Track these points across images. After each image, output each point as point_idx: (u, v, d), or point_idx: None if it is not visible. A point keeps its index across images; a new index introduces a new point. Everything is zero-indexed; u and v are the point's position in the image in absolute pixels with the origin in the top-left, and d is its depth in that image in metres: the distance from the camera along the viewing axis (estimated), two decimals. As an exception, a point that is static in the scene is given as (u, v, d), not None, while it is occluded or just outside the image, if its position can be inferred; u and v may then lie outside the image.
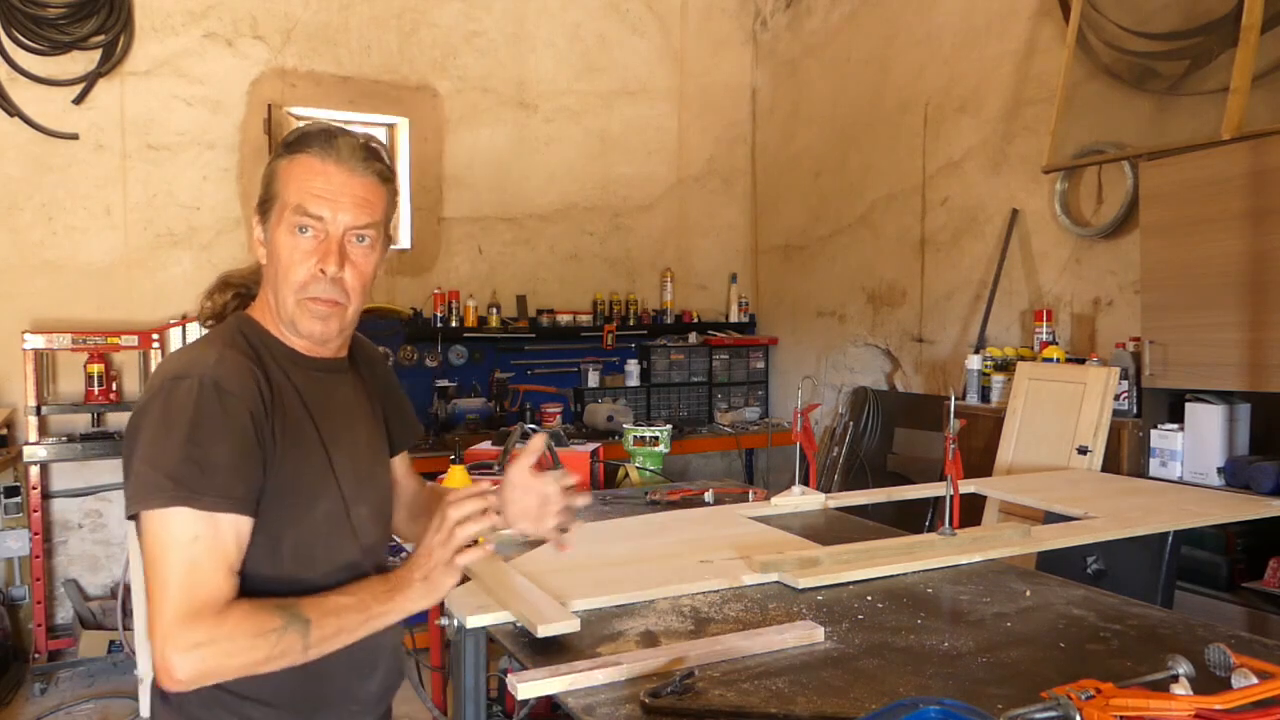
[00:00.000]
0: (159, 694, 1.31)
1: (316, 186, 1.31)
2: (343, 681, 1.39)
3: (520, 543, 2.03)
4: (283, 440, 1.29)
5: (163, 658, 1.16)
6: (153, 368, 4.34)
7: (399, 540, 1.98)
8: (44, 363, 4.36)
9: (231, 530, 1.22)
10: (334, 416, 1.40)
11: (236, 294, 1.46)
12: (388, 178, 1.39)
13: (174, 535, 1.18)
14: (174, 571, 1.18)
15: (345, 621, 1.26)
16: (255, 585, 1.26)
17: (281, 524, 1.29)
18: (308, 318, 1.34)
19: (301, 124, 1.44)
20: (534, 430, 3.26)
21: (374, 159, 1.36)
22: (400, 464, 1.69)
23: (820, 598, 1.78)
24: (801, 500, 2.59)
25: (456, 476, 2.03)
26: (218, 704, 1.29)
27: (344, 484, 1.38)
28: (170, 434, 1.20)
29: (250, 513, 1.24)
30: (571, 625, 1.56)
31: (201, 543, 1.19)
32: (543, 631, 1.54)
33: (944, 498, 2.09)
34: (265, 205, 1.35)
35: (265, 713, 1.31)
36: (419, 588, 1.30)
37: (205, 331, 1.42)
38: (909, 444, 4.79)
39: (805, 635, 1.53)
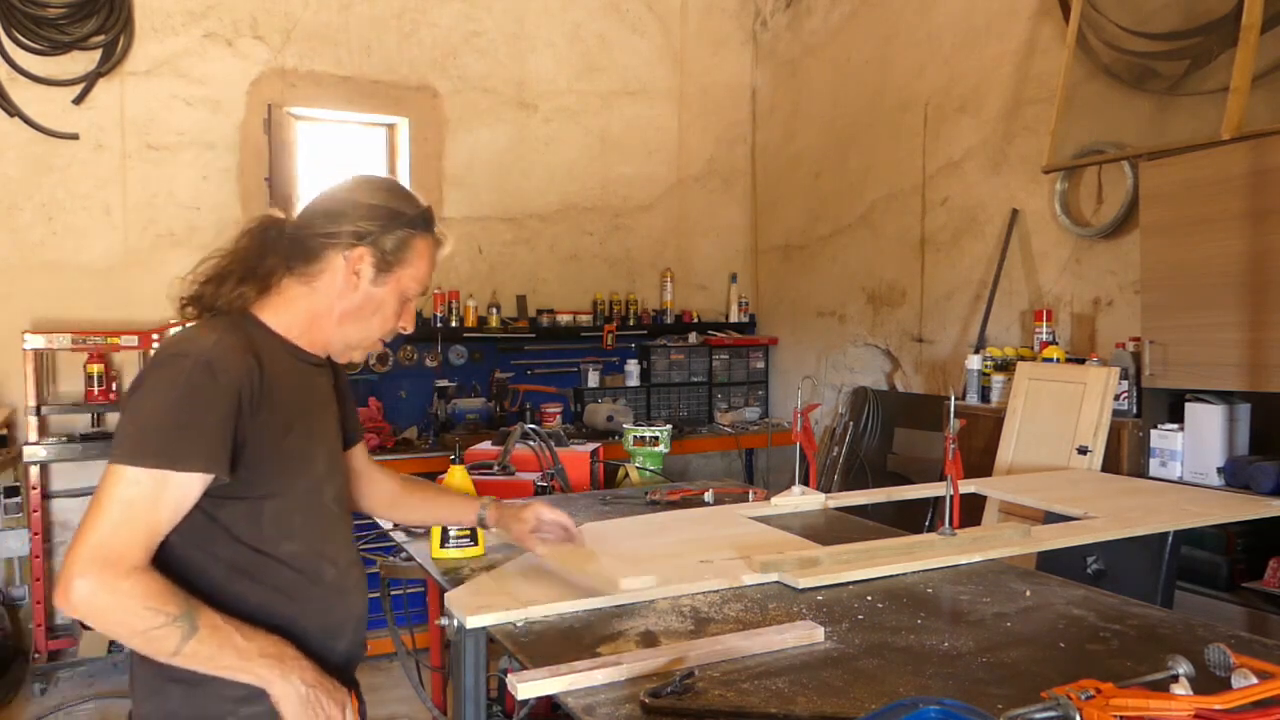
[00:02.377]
0: (135, 653, 1.38)
1: (432, 270, 1.58)
2: (315, 643, 1.47)
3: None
4: (272, 421, 1.40)
5: (66, 574, 1.25)
6: (153, 368, 4.35)
7: (377, 519, 2.23)
8: (44, 363, 4.36)
9: (177, 493, 1.31)
10: (315, 406, 1.55)
11: (244, 285, 1.50)
12: None
13: (128, 489, 1.29)
14: (112, 516, 1.28)
15: (222, 654, 1.31)
16: (231, 548, 1.39)
17: (265, 492, 1.41)
18: (364, 353, 1.60)
19: (416, 196, 1.59)
20: (534, 430, 3.27)
21: None
22: (360, 454, 1.85)
23: (820, 598, 1.78)
24: (801, 500, 2.59)
25: (456, 476, 2.04)
26: None
27: (320, 466, 1.53)
28: (154, 401, 1.33)
29: (204, 470, 1.32)
30: (648, 579, 1.73)
31: (153, 501, 1.29)
32: (625, 585, 1.69)
33: (944, 498, 2.09)
34: (389, 262, 1.50)
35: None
36: (296, 690, 1.36)
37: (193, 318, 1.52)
38: (909, 444, 4.79)
39: (805, 635, 1.53)
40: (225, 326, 1.42)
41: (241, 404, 1.35)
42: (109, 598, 1.25)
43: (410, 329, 1.61)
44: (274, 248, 1.50)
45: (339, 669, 1.53)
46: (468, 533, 2.05)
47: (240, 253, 1.50)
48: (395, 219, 1.51)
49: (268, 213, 1.56)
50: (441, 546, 2.08)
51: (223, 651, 1.31)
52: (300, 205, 1.57)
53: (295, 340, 1.51)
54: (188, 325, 1.46)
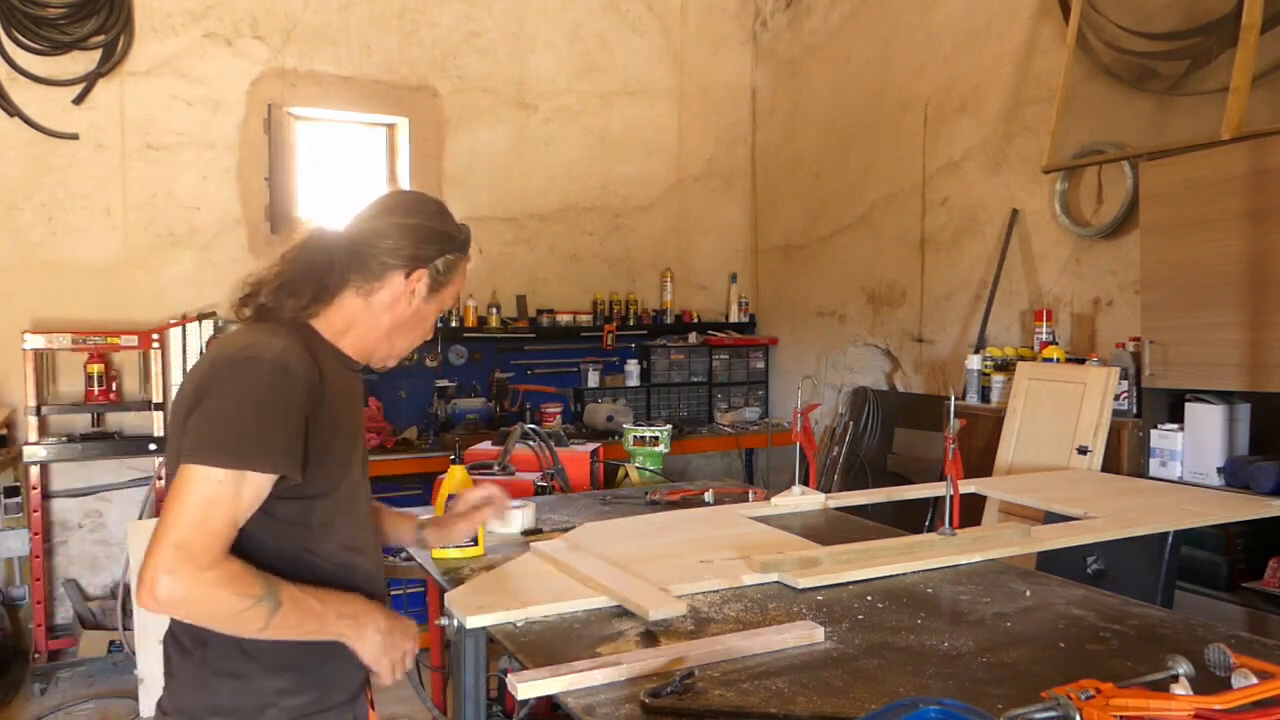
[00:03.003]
0: (177, 647, 1.46)
1: (463, 287, 1.69)
2: None
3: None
4: (327, 424, 1.46)
5: (151, 572, 1.28)
6: (153, 368, 4.35)
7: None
8: (44, 363, 4.36)
9: (253, 490, 1.35)
10: (356, 411, 1.62)
11: (300, 298, 1.56)
12: None
13: (211, 488, 1.32)
14: (194, 513, 1.30)
15: (306, 622, 1.40)
16: (280, 544, 1.43)
17: (317, 492, 1.46)
18: (396, 361, 1.68)
19: (457, 221, 1.71)
20: (534, 430, 3.27)
21: None
22: None
23: (820, 598, 1.78)
24: (801, 500, 2.59)
25: (456, 476, 2.04)
26: (239, 652, 1.41)
27: (358, 467, 1.59)
28: (232, 402, 1.36)
29: (280, 471, 1.37)
30: (678, 609, 1.67)
31: (223, 500, 1.32)
32: (654, 615, 1.64)
33: (944, 498, 2.09)
34: (439, 284, 1.62)
35: (278, 665, 1.44)
36: (371, 639, 1.49)
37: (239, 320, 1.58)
38: (909, 444, 4.79)
39: (805, 635, 1.53)
40: (288, 332, 1.48)
41: (309, 407, 1.42)
42: (198, 590, 1.29)
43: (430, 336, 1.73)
44: (337, 263, 1.56)
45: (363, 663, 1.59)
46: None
47: (305, 266, 1.55)
48: (449, 243, 1.63)
49: (319, 226, 1.64)
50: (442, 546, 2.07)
51: (305, 620, 1.39)
52: (333, 213, 1.63)
53: (344, 348, 1.58)
54: (239, 326, 1.53)
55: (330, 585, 1.48)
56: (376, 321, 1.58)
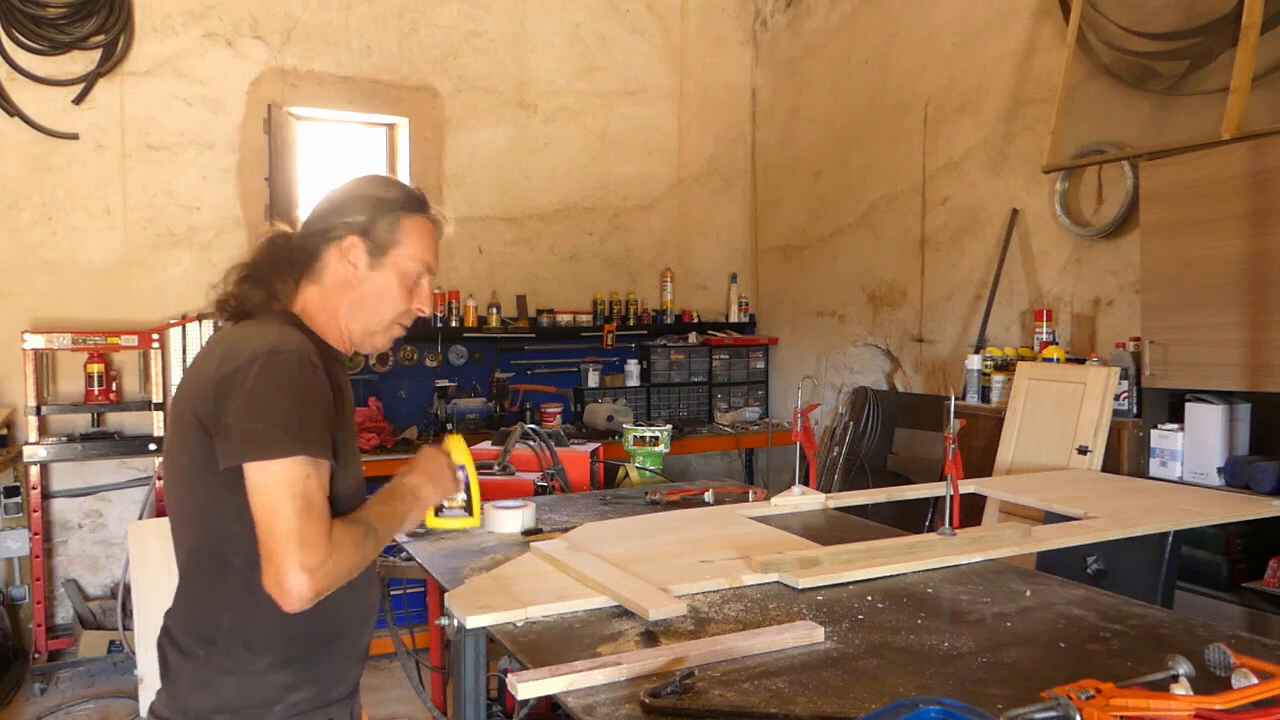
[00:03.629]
0: (176, 650, 1.46)
1: (433, 247, 1.63)
2: (351, 630, 1.55)
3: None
4: (339, 417, 1.48)
5: (293, 579, 1.32)
6: (153, 368, 4.35)
7: None
8: (44, 363, 4.36)
9: (326, 473, 1.41)
10: (348, 400, 1.60)
11: (267, 287, 1.58)
12: None
13: (292, 477, 1.34)
14: (293, 506, 1.34)
15: (387, 525, 1.51)
16: None
17: (337, 486, 1.48)
18: (387, 339, 1.64)
19: (407, 185, 1.67)
20: (534, 430, 3.27)
21: None
22: None
23: (820, 598, 1.78)
24: (801, 500, 2.59)
25: (457, 444, 1.95)
26: (244, 649, 1.42)
27: (353, 451, 1.60)
28: (279, 396, 1.37)
29: (330, 460, 1.42)
30: (678, 609, 1.66)
31: (312, 480, 1.36)
32: (654, 615, 1.63)
33: (944, 498, 2.09)
34: (383, 247, 1.57)
35: (283, 660, 1.45)
36: (427, 489, 1.63)
37: (212, 320, 1.61)
38: (909, 444, 4.79)
39: (805, 635, 1.53)
40: (288, 323, 1.51)
41: (332, 396, 1.45)
42: (333, 569, 1.35)
43: (428, 310, 1.66)
44: (285, 257, 1.57)
45: (365, 655, 1.62)
46: (462, 503, 1.93)
47: (256, 263, 1.58)
48: (381, 204, 1.57)
49: (276, 227, 1.65)
50: (436, 515, 1.93)
51: (385, 524, 1.50)
52: (303, 209, 1.66)
53: (330, 341, 1.58)
54: (234, 325, 1.54)
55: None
56: (335, 304, 1.57)
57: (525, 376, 5.45)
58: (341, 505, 1.48)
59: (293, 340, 1.43)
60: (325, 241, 1.56)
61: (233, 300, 1.56)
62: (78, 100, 4.47)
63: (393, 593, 2.79)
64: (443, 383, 5.10)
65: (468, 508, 1.95)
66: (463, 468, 1.80)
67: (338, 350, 1.60)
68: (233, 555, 1.42)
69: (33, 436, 4.19)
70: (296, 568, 1.31)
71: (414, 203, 1.61)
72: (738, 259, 6.26)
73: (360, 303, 1.57)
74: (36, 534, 4.18)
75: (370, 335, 1.61)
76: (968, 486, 2.80)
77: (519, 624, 1.64)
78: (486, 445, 3.42)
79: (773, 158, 6.08)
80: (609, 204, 5.82)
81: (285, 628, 1.42)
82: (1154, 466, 3.16)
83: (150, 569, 3.60)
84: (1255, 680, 1.18)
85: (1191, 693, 1.14)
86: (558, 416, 5.23)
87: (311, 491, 1.36)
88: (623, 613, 1.69)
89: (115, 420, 4.53)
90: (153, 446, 4.30)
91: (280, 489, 1.34)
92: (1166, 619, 1.68)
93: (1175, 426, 3.13)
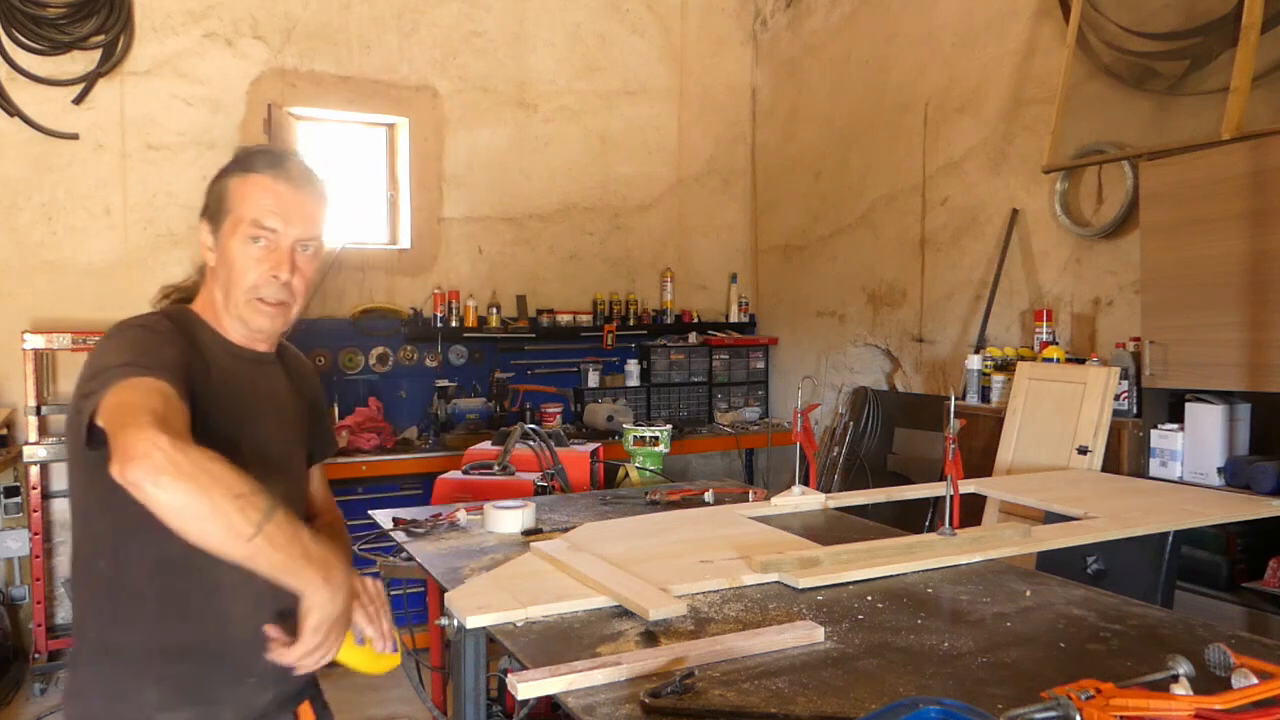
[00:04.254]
0: (72, 659, 1.38)
1: (270, 203, 1.48)
2: (241, 650, 1.40)
3: None
4: (201, 402, 1.36)
5: (132, 445, 1.13)
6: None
7: None
8: (44, 363, 4.36)
9: (182, 401, 1.28)
10: (251, 402, 1.51)
11: (179, 300, 1.58)
12: (327, 196, 1.58)
13: (139, 387, 1.23)
14: (146, 399, 1.21)
15: (292, 547, 1.22)
16: (163, 544, 1.23)
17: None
18: (258, 315, 1.49)
19: (248, 146, 1.62)
20: (534, 430, 3.27)
21: (317, 179, 1.55)
22: (316, 474, 1.77)
23: (820, 598, 1.78)
24: (801, 500, 2.59)
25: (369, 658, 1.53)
26: (109, 661, 1.31)
27: (249, 463, 1.34)
28: (109, 345, 1.32)
29: (172, 382, 1.29)
30: (678, 609, 1.65)
31: (166, 395, 1.25)
32: (654, 615, 1.62)
33: (944, 498, 2.09)
34: (217, 217, 1.50)
35: (154, 676, 1.34)
36: (335, 597, 1.27)
37: None
38: (909, 444, 4.79)
39: (805, 635, 1.53)
40: (161, 311, 1.49)
41: (185, 362, 1.36)
42: (188, 461, 1.14)
43: (283, 274, 1.48)
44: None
45: (274, 679, 1.43)
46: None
47: (188, 279, 1.61)
48: (215, 179, 1.55)
49: None
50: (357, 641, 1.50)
51: (292, 543, 1.21)
52: None
53: (225, 333, 1.52)
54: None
55: (219, 590, 1.36)
56: (211, 292, 1.52)
57: (525, 376, 5.45)
58: None
59: (138, 318, 1.42)
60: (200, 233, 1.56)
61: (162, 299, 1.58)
62: (78, 100, 4.47)
63: (393, 593, 2.79)
64: (443, 383, 5.10)
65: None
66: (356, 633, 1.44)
67: (238, 346, 1.52)
68: (98, 557, 1.34)
69: (33, 436, 4.19)
70: (148, 429, 1.14)
71: (245, 162, 1.52)
72: (738, 259, 6.26)
73: (218, 282, 1.50)
74: (36, 534, 4.18)
75: (239, 316, 1.49)
76: (968, 486, 2.80)
77: (519, 624, 1.64)
78: (486, 445, 3.43)
79: (773, 158, 6.07)
80: (609, 204, 5.82)
81: (155, 640, 1.33)
82: (1154, 466, 3.16)
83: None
84: (1255, 680, 1.18)
85: (1191, 693, 1.14)
86: (558, 416, 5.23)
87: (167, 399, 1.23)
88: (623, 613, 1.69)
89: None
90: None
91: (129, 395, 1.21)
92: (1166, 619, 1.68)
93: (1175, 426, 3.13)
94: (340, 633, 1.31)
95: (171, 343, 1.36)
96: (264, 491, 1.20)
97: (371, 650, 1.48)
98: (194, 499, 1.14)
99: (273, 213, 1.48)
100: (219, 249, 1.49)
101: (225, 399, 1.43)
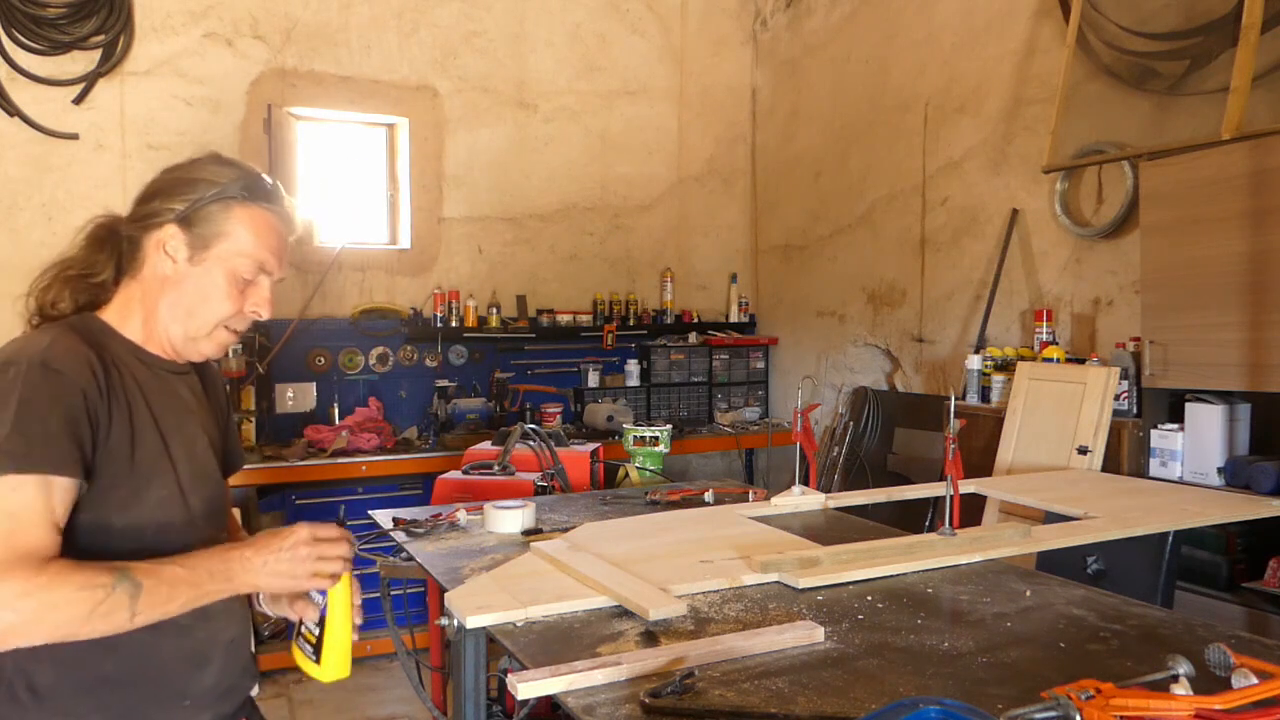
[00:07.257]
0: None
1: (274, 243, 1.43)
2: (177, 673, 1.38)
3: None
4: (119, 421, 1.31)
5: None
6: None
7: None
8: (44, 363, 4.35)
9: (57, 492, 1.22)
10: (172, 412, 1.43)
11: (81, 286, 1.45)
12: None
13: None
14: None
15: (177, 593, 1.24)
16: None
17: (113, 505, 1.30)
18: (214, 345, 1.45)
19: (252, 167, 1.48)
20: (534, 430, 3.27)
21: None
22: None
23: (820, 598, 1.78)
24: (801, 500, 2.59)
25: (343, 582, 1.49)
26: (29, 695, 1.27)
27: (180, 472, 1.40)
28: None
29: (78, 475, 1.24)
30: (678, 609, 1.65)
31: (23, 503, 1.18)
32: (654, 615, 1.62)
33: (944, 498, 2.09)
34: (204, 237, 1.39)
35: (81, 710, 1.29)
36: (271, 568, 1.31)
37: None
38: (909, 444, 4.79)
39: (805, 635, 1.53)
40: (62, 328, 1.34)
41: (89, 405, 1.26)
42: (32, 605, 1.14)
43: (265, 314, 1.44)
44: (104, 247, 1.44)
45: (211, 699, 1.43)
46: (312, 635, 1.48)
47: (73, 259, 1.45)
48: (209, 189, 1.39)
49: (104, 213, 1.50)
50: (295, 641, 1.55)
51: (175, 589, 1.24)
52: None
53: (142, 344, 1.42)
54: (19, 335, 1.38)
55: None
56: (153, 302, 1.40)
57: (525, 376, 5.45)
58: (126, 537, 1.30)
59: (33, 348, 1.27)
60: (144, 230, 1.39)
61: (36, 306, 1.41)
62: (78, 100, 4.47)
63: (393, 593, 2.79)
64: (443, 383, 5.10)
65: (316, 649, 1.47)
66: (324, 593, 1.42)
67: (157, 357, 1.43)
68: None
69: (33, 436, 4.18)
70: None
71: (251, 189, 1.41)
72: (738, 259, 6.26)
73: (178, 302, 1.39)
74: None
75: (192, 340, 1.42)
76: (968, 486, 2.80)
77: (519, 624, 1.64)
78: (486, 445, 3.43)
79: (773, 158, 6.07)
80: (609, 204, 5.82)
81: (74, 673, 1.27)
82: (1154, 466, 3.16)
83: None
84: (1255, 680, 1.18)
85: (1191, 693, 1.14)
86: (558, 416, 5.23)
87: (18, 513, 1.17)
88: (623, 613, 1.69)
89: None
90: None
91: None
92: (1166, 619, 1.68)
93: (1175, 426, 3.13)
94: (315, 551, 1.34)
95: (67, 392, 1.24)
96: (115, 577, 1.19)
97: (324, 659, 1.46)
98: (57, 630, 1.17)
99: (274, 253, 1.44)
100: (193, 273, 1.39)
101: (148, 420, 1.36)
